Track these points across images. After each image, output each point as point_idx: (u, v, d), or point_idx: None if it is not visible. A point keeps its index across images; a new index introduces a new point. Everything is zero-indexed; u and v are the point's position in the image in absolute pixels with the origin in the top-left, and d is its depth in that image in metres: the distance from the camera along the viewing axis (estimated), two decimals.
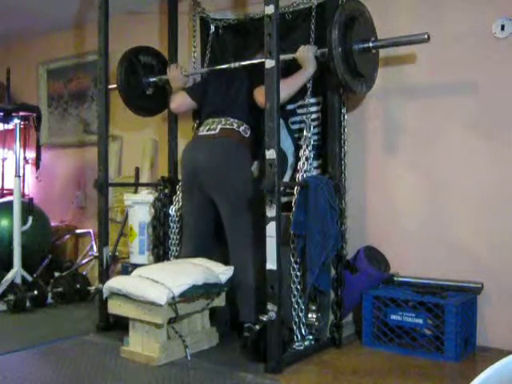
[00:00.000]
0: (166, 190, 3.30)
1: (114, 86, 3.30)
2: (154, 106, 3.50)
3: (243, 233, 2.79)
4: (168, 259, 3.23)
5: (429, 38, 2.49)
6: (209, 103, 3.03)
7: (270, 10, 2.36)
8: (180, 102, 3.15)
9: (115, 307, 2.60)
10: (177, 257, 3.17)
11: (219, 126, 2.87)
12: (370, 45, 2.64)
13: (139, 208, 3.38)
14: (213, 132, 2.87)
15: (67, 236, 4.56)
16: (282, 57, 2.55)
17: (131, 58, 3.33)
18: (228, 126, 2.86)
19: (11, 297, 3.49)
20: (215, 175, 2.81)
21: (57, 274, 3.95)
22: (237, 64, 2.97)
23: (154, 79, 3.37)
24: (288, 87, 2.64)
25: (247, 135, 2.88)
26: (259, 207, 2.67)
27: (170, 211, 3.24)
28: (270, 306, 2.35)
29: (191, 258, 2.87)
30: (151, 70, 3.42)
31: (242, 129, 2.87)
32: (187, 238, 3.05)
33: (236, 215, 2.80)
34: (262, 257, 2.46)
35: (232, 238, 2.83)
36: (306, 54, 2.68)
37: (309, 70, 2.69)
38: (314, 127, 2.94)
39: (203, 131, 2.93)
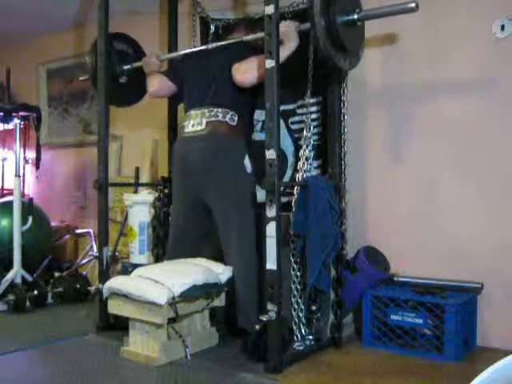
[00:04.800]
0: (166, 190, 3.30)
1: (86, 77, 3.20)
2: (129, 96, 3.38)
3: (240, 233, 2.74)
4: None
5: (417, 6, 2.34)
6: (188, 89, 2.93)
7: (270, 9, 2.36)
8: (159, 85, 3.04)
9: (115, 307, 2.60)
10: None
11: (204, 120, 2.75)
12: (355, 16, 2.50)
13: (139, 208, 3.37)
14: (199, 128, 2.75)
15: (67, 236, 4.57)
16: (261, 34, 2.46)
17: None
18: (213, 119, 2.73)
19: (11, 297, 3.49)
20: (208, 176, 2.74)
21: (57, 274, 3.95)
22: (214, 45, 2.88)
23: (127, 66, 3.26)
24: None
25: (235, 122, 2.75)
26: (254, 202, 2.66)
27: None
28: (270, 306, 2.35)
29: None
30: (125, 57, 3.31)
31: (228, 117, 2.73)
32: (174, 240, 2.97)
33: (231, 215, 2.75)
34: (258, 255, 2.44)
35: (228, 241, 2.77)
36: (286, 29, 2.45)
37: (290, 44, 2.47)
38: (314, 127, 2.94)
39: (188, 127, 2.81)
